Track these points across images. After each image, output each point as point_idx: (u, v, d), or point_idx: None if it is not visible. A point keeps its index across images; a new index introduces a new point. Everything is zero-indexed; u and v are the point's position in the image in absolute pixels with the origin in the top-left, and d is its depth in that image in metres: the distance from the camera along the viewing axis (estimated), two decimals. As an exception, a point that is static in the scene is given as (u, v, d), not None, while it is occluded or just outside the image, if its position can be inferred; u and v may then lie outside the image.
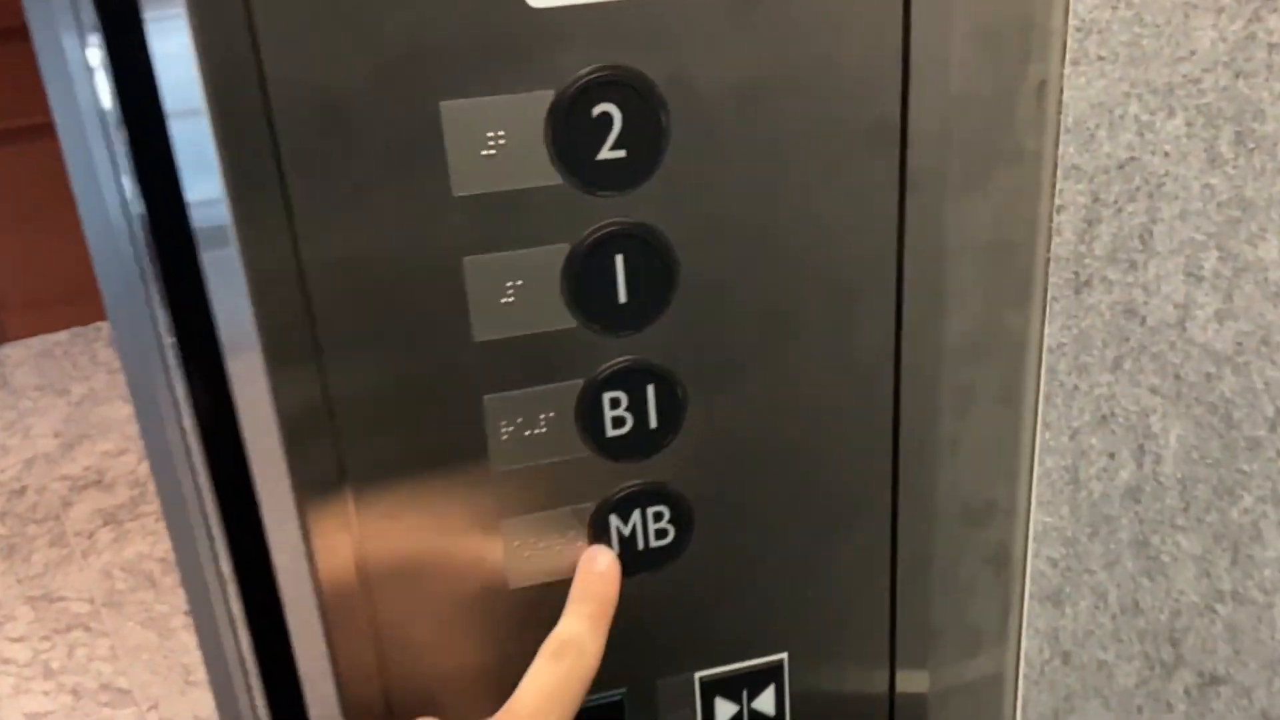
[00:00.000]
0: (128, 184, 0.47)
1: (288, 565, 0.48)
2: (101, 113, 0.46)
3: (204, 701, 2.58)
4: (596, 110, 0.40)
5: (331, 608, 0.45)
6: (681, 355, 0.45)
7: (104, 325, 5.04)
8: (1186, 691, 0.48)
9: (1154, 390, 0.45)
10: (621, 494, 0.46)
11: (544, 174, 0.40)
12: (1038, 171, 0.46)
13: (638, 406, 0.45)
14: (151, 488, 3.56)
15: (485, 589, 0.47)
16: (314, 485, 0.43)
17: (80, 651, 2.83)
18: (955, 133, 0.44)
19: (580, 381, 0.44)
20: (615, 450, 0.45)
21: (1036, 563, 0.52)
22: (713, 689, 0.51)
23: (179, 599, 2.99)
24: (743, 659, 0.51)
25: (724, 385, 0.46)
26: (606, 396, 0.44)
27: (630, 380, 0.44)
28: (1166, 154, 0.41)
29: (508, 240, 0.41)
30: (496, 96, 0.39)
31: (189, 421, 0.50)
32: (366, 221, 0.39)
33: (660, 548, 0.48)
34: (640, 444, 0.46)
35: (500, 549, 0.46)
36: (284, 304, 0.40)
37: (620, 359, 0.44)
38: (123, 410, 4.13)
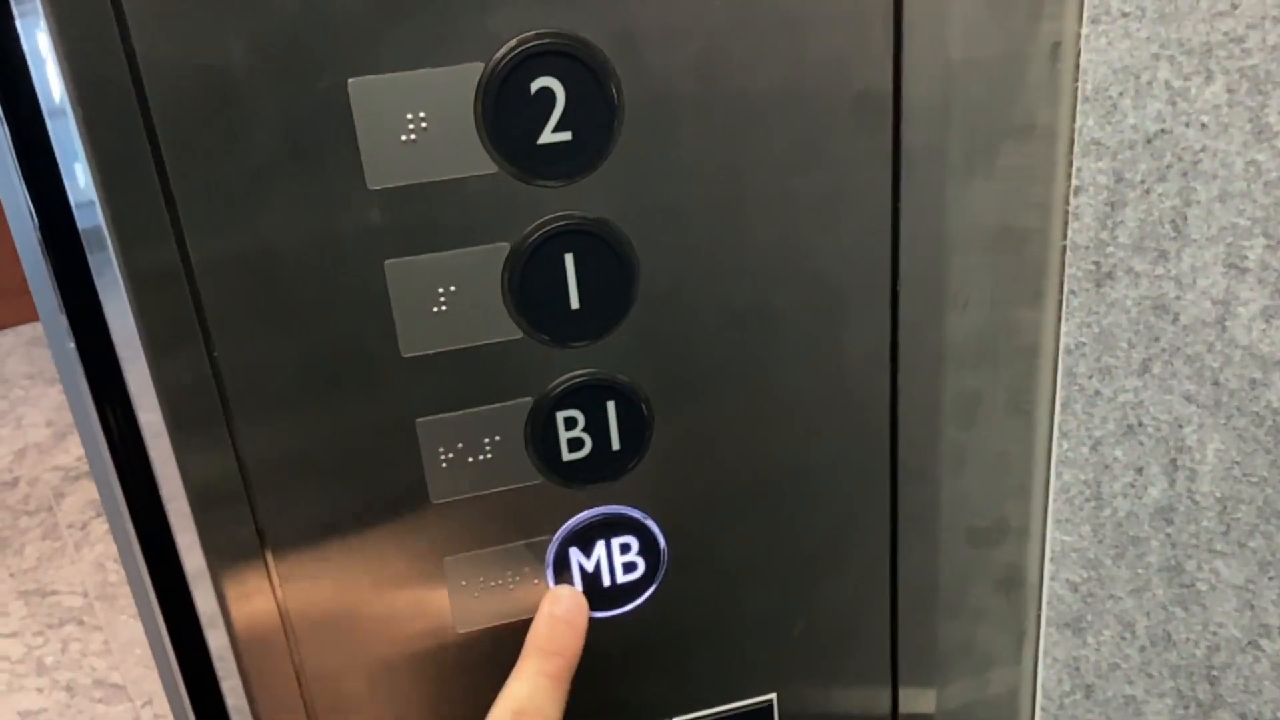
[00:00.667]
0: (17, 185, 0.41)
1: (204, 608, 0.42)
2: None
3: (198, 696, 2.54)
4: (535, 85, 0.34)
5: (253, 660, 0.40)
6: (645, 368, 0.39)
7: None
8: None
9: (1189, 398, 0.39)
10: (583, 524, 0.41)
11: (476, 162, 0.34)
12: (1052, 148, 0.40)
13: (597, 426, 0.39)
14: (145, 477, 3.51)
15: (430, 635, 0.41)
16: (222, 522, 0.37)
17: (74, 647, 2.79)
18: (955, 104, 0.38)
19: (530, 400, 0.38)
20: (573, 476, 0.40)
21: (1054, 586, 0.47)
22: (693, 734, 0.46)
23: (173, 591, 2.94)
24: (726, 701, 0.46)
25: (695, 400, 0.40)
26: (561, 416, 0.39)
27: (587, 397, 0.39)
28: (1204, 126, 0.36)
29: (437, 240, 0.35)
30: (415, 71, 0.33)
31: (96, 426, 0.45)
32: (266, 222, 0.33)
33: (629, 583, 0.42)
34: (602, 468, 0.40)
35: (445, 590, 0.40)
36: (173, 314, 0.34)
37: (575, 373, 0.38)
38: (116, 398, 4.07)
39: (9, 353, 4.54)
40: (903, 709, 0.49)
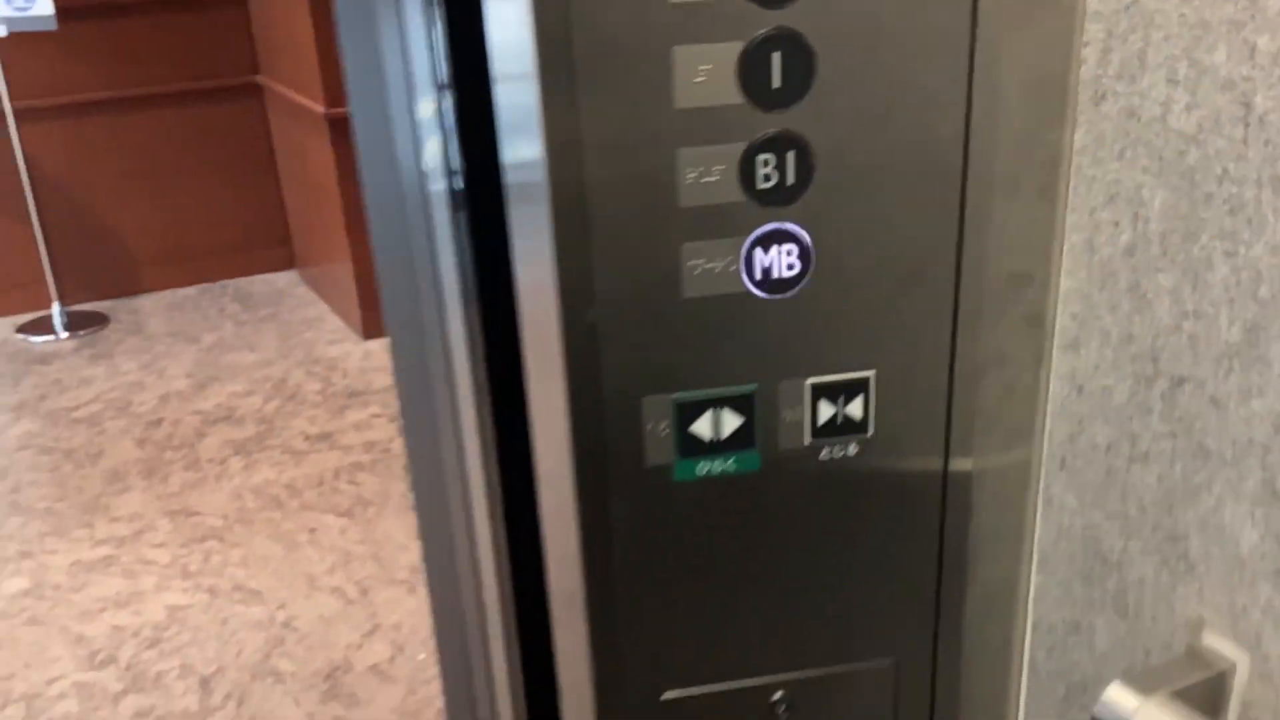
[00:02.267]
0: (453, 149, 0.69)
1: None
2: (409, 82, 0.68)
3: (327, 604, 2.84)
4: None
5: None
6: (816, 129, 0.65)
7: (230, 283, 5.40)
8: (1161, 395, 0.66)
9: (1145, 169, 0.64)
10: (764, 232, 0.67)
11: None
12: (1071, 17, 0.65)
13: (781, 167, 0.65)
14: (277, 423, 3.85)
15: (662, 297, 0.67)
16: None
17: (215, 558, 3.12)
18: (1012, -14, 0.64)
19: (744, 144, 0.64)
20: (763, 198, 0.66)
21: (1062, 319, 0.71)
22: (819, 392, 0.71)
23: (304, 520, 3.26)
24: (842, 372, 0.71)
25: (843, 157, 0.66)
26: (760, 157, 0.65)
27: (777, 146, 0.65)
28: (1156, -5, 0.61)
29: (706, 36, 0.62)
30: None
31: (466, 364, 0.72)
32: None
33: (789, 278, 0.68)
34: (781, 195, 0.66)
35: (681, 266, 0.67)
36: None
37: (770, 130, 0.64)
38: (249, 357, 4.45)
39: (151, 314, 4.94)
40: (956, 399, 0.73)
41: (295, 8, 4.36)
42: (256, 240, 5.39)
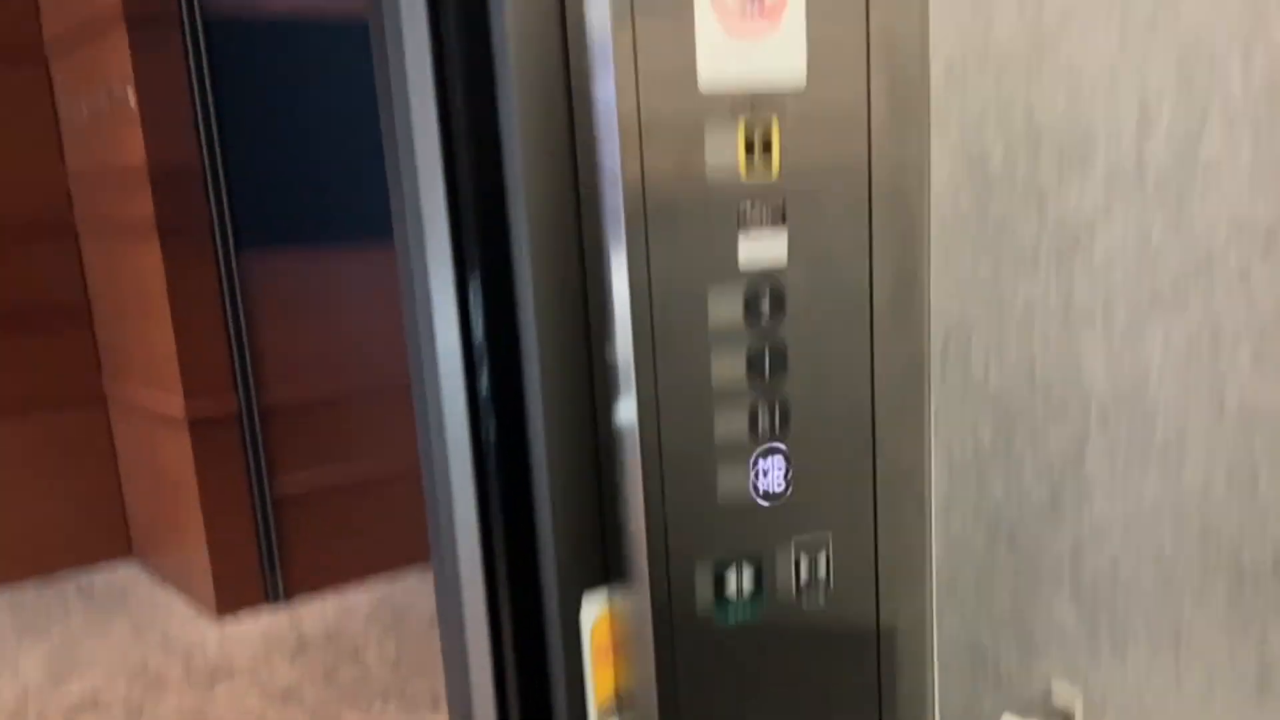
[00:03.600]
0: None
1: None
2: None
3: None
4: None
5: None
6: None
7: (69, 576, 5.33)
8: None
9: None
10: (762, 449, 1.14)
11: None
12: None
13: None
14: (146, 706, 3.87)
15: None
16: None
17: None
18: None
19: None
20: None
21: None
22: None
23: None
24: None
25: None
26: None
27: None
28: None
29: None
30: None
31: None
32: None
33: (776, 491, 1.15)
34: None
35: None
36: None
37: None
38: (104, 644, 4.43)
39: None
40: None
41: (156, 330, 4.70)
42: (94, 535, 5.44)
